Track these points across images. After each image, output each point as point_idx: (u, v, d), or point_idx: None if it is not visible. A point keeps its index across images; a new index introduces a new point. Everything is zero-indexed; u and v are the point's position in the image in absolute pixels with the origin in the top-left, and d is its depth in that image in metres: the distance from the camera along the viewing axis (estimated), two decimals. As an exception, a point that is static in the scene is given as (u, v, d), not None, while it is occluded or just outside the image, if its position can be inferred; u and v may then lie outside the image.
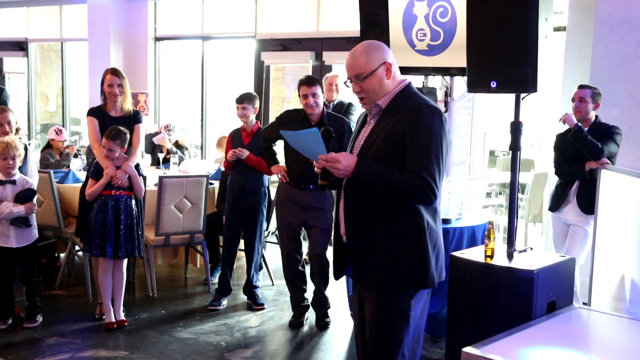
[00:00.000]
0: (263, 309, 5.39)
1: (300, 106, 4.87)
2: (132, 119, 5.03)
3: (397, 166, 2.68)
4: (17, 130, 5.17)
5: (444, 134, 2.71)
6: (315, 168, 2.82)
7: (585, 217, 4.86)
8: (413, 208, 2.74)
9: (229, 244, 5.46)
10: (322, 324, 5.02)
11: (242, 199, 5.29)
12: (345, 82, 2.88)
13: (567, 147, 4.92)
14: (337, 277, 3.02)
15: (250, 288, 5.49)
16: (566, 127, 4.89)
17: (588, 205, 4.75)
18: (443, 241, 2.94)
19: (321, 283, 4.95)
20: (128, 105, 5.03)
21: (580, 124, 4.77)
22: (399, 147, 2.69)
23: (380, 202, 2.74)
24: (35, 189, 4.79)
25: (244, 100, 5.25)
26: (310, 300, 5.10)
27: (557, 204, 5.05)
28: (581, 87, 4.91)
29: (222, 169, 5.81)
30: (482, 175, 7.71)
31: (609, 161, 4.68)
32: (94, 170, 4.81)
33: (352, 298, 3.10)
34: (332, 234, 3.02)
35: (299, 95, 4.76)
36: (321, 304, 5.03)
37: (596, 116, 4.91)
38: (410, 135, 2.67)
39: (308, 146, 2.83)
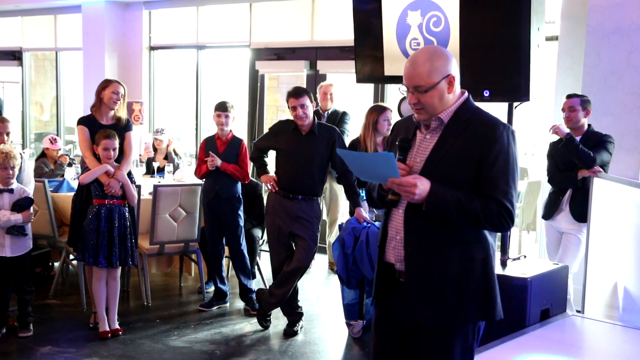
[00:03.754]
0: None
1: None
2: (123, 127, 5.01)
3: (468, 187, 2.46)
4: None
5: (517, 155, 2.52)
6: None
7: (578, 225, 4.88)
8: (480, 233, 2.52)
9: (212, 248, 5.56)
10: (290, 332, 5.06)
11: (218, 205, 5.40)
12: (399, 89, 2.60)
13: (560, 156, 4.93)
14: (378, 302, 2.67)
15: (245, 293, 5.55)
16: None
17: (581, 213, 4.76)
18: None
19: (285, 292, 4.94)
20: (120, 114, 5.02)
21: (571, 133, 4.79)
22: (472, 166, 2.46)
23: (446, 227, 2.49)
24: (32, 197, 4.79)
25: (227, 108, 5.34)
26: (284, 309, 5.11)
27: (550, 212, 5.07)
28: (569, 96, 4.93)
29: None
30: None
31: (601, 169, 4.69)
32: None
33: (375, 321, 2.75)
34: (377, 256, 2.66)
35: (289, 107, 4.80)
36: (290, 312, 5.10)
37: (589, 125, 4.93)
38: (487, 156, 2.45)
39: (374, 169, 2.52)
